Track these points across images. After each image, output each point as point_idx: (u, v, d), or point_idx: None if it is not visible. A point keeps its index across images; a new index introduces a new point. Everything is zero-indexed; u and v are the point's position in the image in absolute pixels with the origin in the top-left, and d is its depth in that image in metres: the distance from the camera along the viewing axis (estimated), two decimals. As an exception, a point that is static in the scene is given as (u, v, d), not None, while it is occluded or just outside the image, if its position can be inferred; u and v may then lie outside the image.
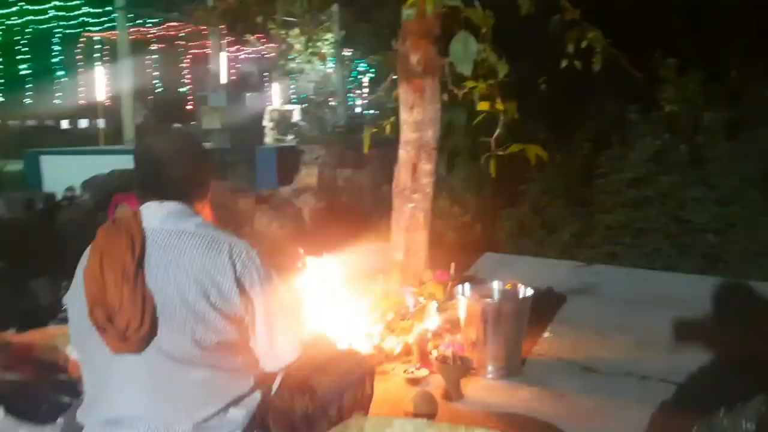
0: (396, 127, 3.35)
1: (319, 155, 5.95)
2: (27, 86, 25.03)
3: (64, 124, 27.29)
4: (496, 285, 2.86)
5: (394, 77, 3.33)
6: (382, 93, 3.41)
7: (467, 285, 2.82)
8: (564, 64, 3.17)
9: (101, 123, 18.56)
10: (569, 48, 3.29)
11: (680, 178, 5.35)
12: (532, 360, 2.86)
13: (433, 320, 2.87)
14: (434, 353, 2.86)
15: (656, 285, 4.16)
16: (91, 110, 18.57)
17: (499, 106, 2.84)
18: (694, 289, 3.87)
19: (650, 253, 5.21)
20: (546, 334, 3.19)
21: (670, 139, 5.52)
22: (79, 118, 26.80)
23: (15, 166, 12.58)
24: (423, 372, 2.62)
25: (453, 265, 3.48)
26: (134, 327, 1.48)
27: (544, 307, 3.34)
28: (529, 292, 2.73)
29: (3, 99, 24.91)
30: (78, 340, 1.60)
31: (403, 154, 3.34)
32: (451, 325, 3.04)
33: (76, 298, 1.57)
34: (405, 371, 2.63)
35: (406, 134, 3.31)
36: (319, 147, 6.16)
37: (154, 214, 1.61)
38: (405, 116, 3.30)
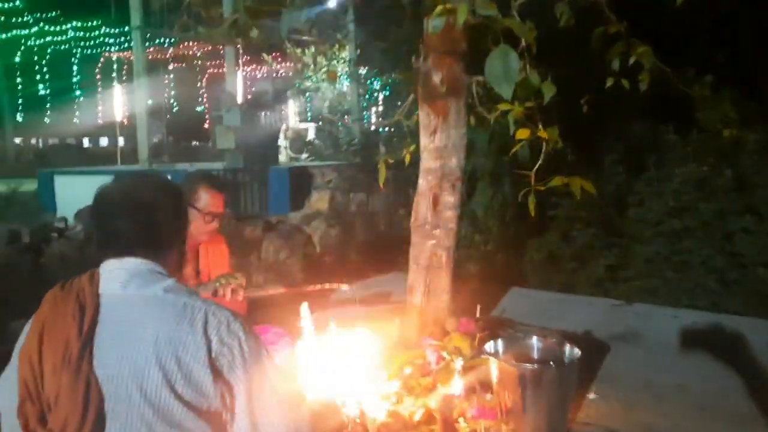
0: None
1: (331, 178, 5.58)
2: (47, 106, 25.15)
3: (86, 142, 27.44)
4: (535, 342, 2.43)
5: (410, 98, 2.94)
6: (401, 117, 3.00)
7: (500, 342, 2.39)
8: (610, 83, 2.74)
9: (121, 141, 18.53)
10: (614, 65, 2.87)
11: (725, 205, 4.89)
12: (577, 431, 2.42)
13: (458, 384, 2.43)
14: (461, 422, 2.43)
15: (712, 330, 3.67)
16: (111, 129, 18.55)
17: (542, 133, 2.43)
18: (760, 335, 3.39)
19: (693, 288, 4.74)
20: (591, 395, 2.73)
21: (713, 163, 5.07)
22: (100, 137, 26.94)
23: (32, 185, 12.44)
24: (448, 450, 2.19)
25: (479, 307, 3.06)
26: (73, 428, 1.10)
27: (585, 357, 2.90)
28: (576, 353, 2.29)
29: (23, 119, 25.03)
30: None
31: (423, 183, 2.93)
32: (482, 385, 2.61)
33: (8, 385, 1.20)
34: (426, 449, 2.20)
35: (427, 162, 2.91)
36: (330, 170, 5.79)
37: (115, 276, 1.24)
38: (425, 142, 2.90)
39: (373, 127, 15.72)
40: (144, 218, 1.27)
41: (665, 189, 5.04)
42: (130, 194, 1.30)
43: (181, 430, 1.14)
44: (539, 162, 2.49)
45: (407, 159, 2.97)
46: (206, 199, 2.46)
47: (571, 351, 2.33)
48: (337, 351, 2.66)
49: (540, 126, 2.42)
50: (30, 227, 3.45)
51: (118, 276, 1.23)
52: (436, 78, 2.77)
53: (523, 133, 2.40)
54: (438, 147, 2.90)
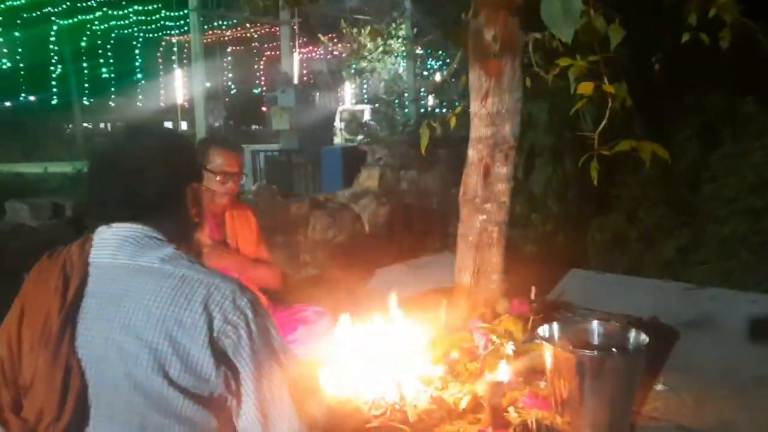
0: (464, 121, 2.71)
1: (382, 156, 5.38)
2: (112, 90, 25.90)
3: (151, 126, 28.18)
4: (595, 326, 2.18)
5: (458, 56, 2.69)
6: (447, 79, 2.76)
7: (555, 326, 2.15)
8: (686, 38, 2.42)
9: (183, 125, 18.92)
10: (691, 18, 2.54)
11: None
12: (643, 428, 2.15)
13: (507, 371, 2.21)
14: (511, 411, 2.22)
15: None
16: (174, 112, 18.96)
17: (608, 88, 2.14)
18: None
19: (775, 272, 4.32)
20: (659, 387, 2.46)
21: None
22: (164, 121, 27.68)
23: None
24: (496, 443, 1.98)
25: (534, 289, 2.82)
26: (49, 418, 0.95)
27: (652, 345, 2.63)
28: (644, 339, 2.03)
29: (90, 103, 25.87)
30: None
31: (474, 154, 2.70)
32: (534, 371, 2.39)
33: None
34: (472, 440, 2.00)
35: (478, 130, 2.67)
36: (381, 147, 5.59)
37: (106, 242, 1.09)
38: (476, 107, 2.66)
39: (429, 108, 15.43)
40: (133, 179, 1.11)
41: (743, 164, 4.61)
42: (118, 154, 1.14)
43: (179, 420, 0.97)
44: (604, 122, 2.21)
45: (452, 123, 2.73)
46: (217, 159, 2.35)
47: (637, 337, 2.07)
48: (378, 333, 2.49)
49: (606, 80, 2.14)
50: (73, 201, 3.43)
51: (110, 243, 1.08)
52: (489, 35, 2.51)
53: (586, 87, 2.12)
54: (490, 113, 2.66)
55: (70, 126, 22.98)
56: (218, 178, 2.34)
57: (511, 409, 2.22)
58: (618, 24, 2.03)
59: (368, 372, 2.31)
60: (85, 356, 0.99)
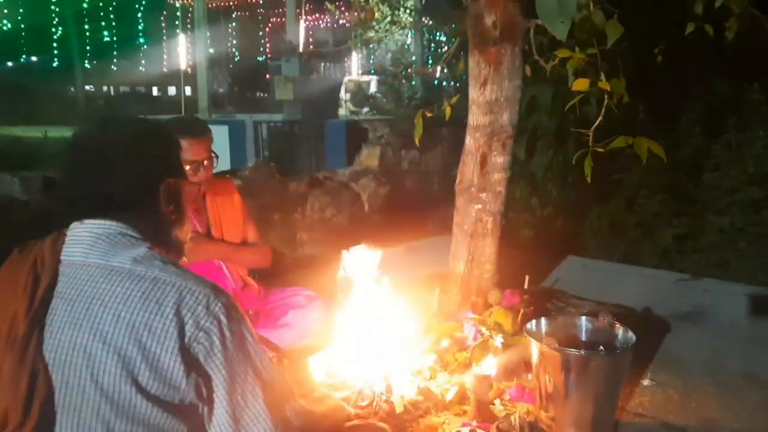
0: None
1: (383, 134, 5.33)
2: (114, 53, 25.67)
3: (155, 91, 27.97)
4: (583, 322, 2.17)
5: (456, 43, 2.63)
6: (445, 65, 2.72)
7: (543, 321, 2.15)
8: (690, 29, 2.37)
9: (188, 91, 18.73)
10: (697, 8, 2.49)
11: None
12: (627, 424, 2.17)
13: (494, 364, 2.22)
14: (497, 404, 2.23)
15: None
16: (177, 78, 18.77)
17: (604, 85, 2.10)
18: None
19: (771, 264, 4.31)
20: (646, 382, 2.47)
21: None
22: (169, 86, 27.40)
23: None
24: (479, 437, 1.99)
25: (527, 278, 2.81)
26: (14, 423, 0.94)
27: (642, 338, 2.63)
28: (631, 338, 2.03)
29: (92, 66, 25.64)
30: None
31: (470, 142, 2.67)
32: (523, 364, 2.39)
33: None
34: (456, 433, 2.01)
35: (476, 117, 2.64)
36: (383, 124, 5.53)
37: (79, 240, 1.06)
38: (474, 94, 2.62)
39: (436, 81, 15.25)
40: (100, 176, 1.07)
41: (746, 154, 4.57)
42: (86, 149, 1.10)
43: (146, 427, 0.96)
44: (599, 119, 2.18)
45: (447, 113, 2.69)
46: (191, 147, 2.18)
47: (624, 335, 2.06)
48: (370, 319, 2.48)
49: (602, 76, 2.09)
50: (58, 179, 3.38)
51: (83, 240, 1.05)
52: (489, 20, 2.46)
53: (581, 84, 2.08)
54: (488, 101, 2.62)
55: (72, 89, 22.81)
56: (188, 169, 2.15)
57: (497, 401, 2.24)
58: (617, 20, 1.97)
59: (357, 360, 2.32)
60: (51, 360, 0.97)
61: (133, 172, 1.09)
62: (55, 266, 1.03)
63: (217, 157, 2.33)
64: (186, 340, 0.98)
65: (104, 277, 1.01)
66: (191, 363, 0.98)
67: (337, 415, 1.38)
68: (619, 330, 2.09)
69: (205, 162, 2.28)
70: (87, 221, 1.07)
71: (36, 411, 0.94)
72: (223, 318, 1.01)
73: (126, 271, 1.01)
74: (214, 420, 1.02)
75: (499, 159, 2.67)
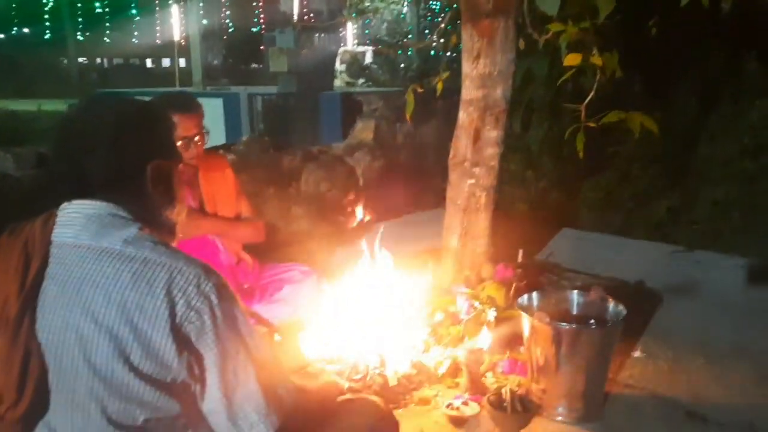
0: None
1: (377, 107, 5.29)
2: (106, 24, 25.32)
3: (149, 63, 27.66)
4: (575, 296, 2.19)
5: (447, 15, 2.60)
6: (436, 39, 2.69)
7: (534, 295, 2.17)
8: (685, 1, 2.34)
9: (182, 62, 18.50)
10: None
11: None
12: (617, 395, 2.20)
13: (487, 338, 2.24)
14: (489, 377, 2.26)
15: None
16: (170, 49, 18.51)
17: (596, 60, 2.09)
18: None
19: (764, 235, 4.32)
20: (636, 353, 2.50)
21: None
22: (162, 57, 27.06)
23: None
24: (472, 409, 2.02)
25: (521, 252, 2.83)
26: (8, 402, 0.96)
27: (634, 310, 2.66)
28: (621, 311, 2.05)
29: (84, 38, 25.30)
30: None
31: (464, 116, 2.66)
32: (515, 337, 2.42)
33: None
34: (448, 405, 2.04)
35: (469, 91, 2.62)
36: (377, 97, 5.48)
37: (70, 220, 1.06)
38: (467, 68, 2.60)
39: (433, 52, 15.10)
40: (84, 157, 1.06)
41: (741, 125, 4.55)
42: (72, 130, 1.09)
43: (140, 405, 0.98)
44: (591, 95, 2.16)
45: (439, 87, 2.67)
46: (182, 123, 2.19)
47: (615, 309, 2.08)
48: (365, 294, 2.50)
49: (595, 51, 2.08)
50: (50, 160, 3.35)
51: (73, 221, 1.04)
52: (481, -6, 2.44)
53: (573, 59, 2.06)
54: (482, 74, 2.61)
55: (65, 62, 22.53)
56: (179, 144, 2.09)
57: (489, 374, 2.27)
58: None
59: (351, 334, 2.35)
60: (44, 341, 0.98)
61: (116, 152, 1.07)
62: (45, 247, 1.03)
63: (207, 132, 2.32)
64: (177, 319, 0.98)
65: (95, 258, 1.01)
66: (183, 342, 0.99)
67: (330, 390, 1.40)
68: (610, 304, 2.11)
69: (197, 138, 2.27)
70: (75, 201, 1.06)
71: (30, 390, 0.96)
72: (213, 297, 1.02)
73: (116, 252, 1.01)
74: (206, 397, 1.03)
75: (493, 133, 2.66)
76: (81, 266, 1.01)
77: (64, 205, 1.08)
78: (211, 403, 1.03)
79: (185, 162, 1.96)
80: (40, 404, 0.97)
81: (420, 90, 2.59)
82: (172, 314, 0.98)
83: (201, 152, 2.33)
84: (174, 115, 2.13)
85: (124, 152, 1.08)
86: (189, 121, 2.24)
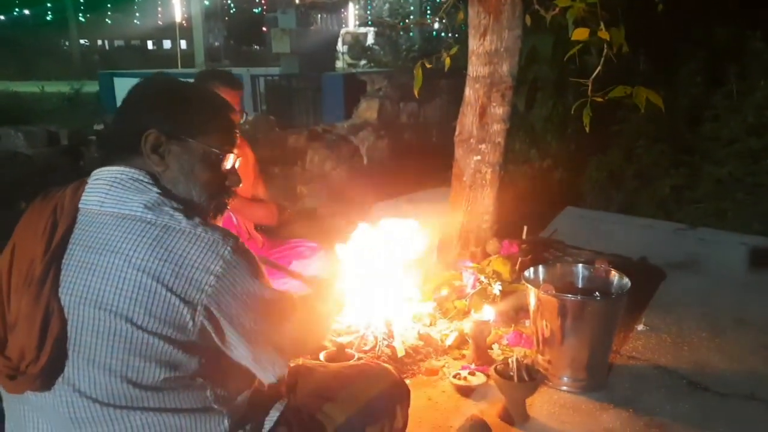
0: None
1: (381, 86, 5.29)
2: (107, 6, 25.17)
3: (150, 45, 27.54)
4: (580, 269, 2.23)
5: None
6: (444, 16, 2.69)
7: (540, 269, 2.20)
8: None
9: (183, 44, 18.43)
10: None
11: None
12: (621, 366, 2.25)
13: (492, 310, 2.28)
14: (495, 349, 2.31)
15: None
16: (173, 31, 18.42)
17: (603, 34, 2.10)
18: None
19: (766, 213, 4.34)
20: (640, 327, 2.55)
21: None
22: (163, 39, 26.95)
23: (95, 87, 12.68)
24: (478, 379, 2.07)
25: (525, 228, 2.86)
26: (29, 358, 0.99)
27: (638, 285, 2.69)
28: (626, 283, 2.09)
29: (86, 20, 25.18)
30: None
31: (470, 93, 2.68)
32: (520, 310, 2.46)
33: None
34: (456, 375, 2.09)
35: (475, 68, 2.64)
36: (381, 77, 5.49)
37: (96, 187, 1.10)
38: (474, 45, 2.61)
39: (435, 33, 15.02)
40: (124, 118, 1.14)
41: (746, 103, 4.55)
42: (126, 96, 1.16)
43: (159, 363, 1.01)
44: (598, 69, 2.18)
45: (447, 63, 2.68)
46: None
47: (620, 281, 2.12)
48: (372, 267, 2.53)
49: (602, 26, 2.09)
50: (69, 129, 3.40)
51: (99, 187, 1.08)
52: (488, -30, 2.44)
53: (581, 34, 2.08)
54: (488, 51, 2.62)
55: (67, 43, 22.44)
56: None
57: (495, 346, 2.31)
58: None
59: (360, 307, 2.39)
60: (66, 302, 1.01)
61: (144, 122, 1.11)
62: (73, 213, 1.07)
63: (246, 113, 2.39)
64: (195, 283, 1.01)
65: (116, 225, 1.04)
66: (199, 305, 1.02)
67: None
68: (615, 276, 2.14)
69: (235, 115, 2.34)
70: (104, 168, 1.11)
71: (49, 347, 0.99)
72: (231, 260, 1.04)
73: (137, 218, 1.04)
74: (232, 350, 1.07)
75: (499, 110, 2.68)
76: (104, 233, 1.04)
77: (94, 172, 1.13)
78: (235, 354, 1.08)
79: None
80: (59, 361, 1.00)
81: (428, 66, 2.60)
82: (189, 279, 1.01)
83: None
84: (221, 88, 2.23)
85: (149, 122, 1.12)
86: (234, 97, 2.31)
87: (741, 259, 3.38)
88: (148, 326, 0.99)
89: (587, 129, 2.21)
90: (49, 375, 1.00)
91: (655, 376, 2.19)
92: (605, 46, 2.18)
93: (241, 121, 2.44)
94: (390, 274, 2.48)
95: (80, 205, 1.08)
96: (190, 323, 1.01)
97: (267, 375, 1.12)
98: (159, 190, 1.10)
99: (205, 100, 1.23)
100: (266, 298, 1.10)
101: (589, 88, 2.17)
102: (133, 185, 1.08)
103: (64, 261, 1.03)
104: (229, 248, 1.05)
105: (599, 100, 2.17)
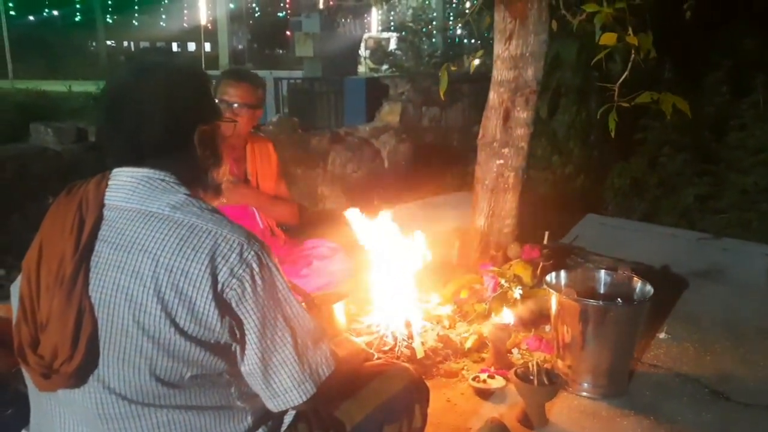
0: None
1: (404, 90, 5.31)
2: (134, 8, 25.54)
3: (174, 47, 27.89)
4: (602, 275, 2.22)
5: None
6: (471, 20, 2.70)
7: (562, 273, 2.20)
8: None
9: (207, 47, 18.62)
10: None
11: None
12: (642, 374, 2.23)
13: (512, 314, 2.28)
14: (515, 353, 2.30)
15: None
16: (197, 33, 18.62)
17: (632, 39, 2.10)
18: None
19: (793, 224, 4.28)
20: (662, 335, 2.52)
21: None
22: (188, 42, 27.28)
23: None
24: (497, 382, 2.07)
25: (547, 234, 2.85)
26: (63, 357, 1.00)
27: (660, 294, 2.66)
28: (648, 290, 2.07)
29: (113, 21, 25.56)
30: None
31: (494, 97, 2.68)
32: (541, 315, 2.45)
33: (16, 292, 1.12)
34: (475, 378, 2.09)
35: (500, 72, 2.64)
36: (404, 81, 5.50)
37: (121, 185, 1.09)
38: (499, 49, 2.62)
39: (457, 39, 15.00)
40: (133, 122, 1.09)
41: (773, 113, 4.50)
42: (119, 95, 1.12)
43: (187, 363, 1.02)
44: (625, 74, 2.18)
45: (472, 67, 2.69)
46: (229, 90, 2.34)
47: (642, 288, 2.11)
48: (392, 270, 2.54)
49: (630, 31, 2.09)
50: (96, 126, 3.42)
51: (124, 185, 1.08)
52: (515, -26, 2.45)
53: (608, 39, 2.07)
54: (513, 55, 2.62)
55: (94, 44, 22.81)
56: (228, 111, 2.30)
57: (515, 350, 2.31)
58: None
59: (380, 308, 2.40)
60: (96, 300, 1.01)
61: (166, 119, 1.11)
62: (98, 209, 1.07)
63: (254, 109, 2.41)
64: (220, 286, 1.01)
65: (144, 222, 1.04)
66: (225, 307, 1.02)
67: (358, 358, 1.44)
68: (638, 283, 2.13)
69: (246, 108, 2.37)
70: (126, 168, 1.10)
71: (83, 346, 0.99)
72: (255, 266, 1.04)
73: (164, 217, 1.04)
74: (245, 361, 1.07)
75: (523, 114, 2.68)
76: (131, 230, 1.04)
77: (116, 170, 1.11)
78: (249, 365, 1.07)
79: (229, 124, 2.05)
80: (92, 359, 1.01)
81: (453, 69, 2.61)
82: (215, 280, 1.01)
83: (250, 125, 2.44)
84: (230, 81, 2.33)
85: (173, 118, 1.12)
86: (243, 89, 2.36)
87: (765, 269, 3.34)
88: (177, 326, 1.00)
89: (613, 134, 2.20)
90: (82, 373, 1.01)
91: (676, 385, 2.17)
92: (632, 51, 2.17)
93: (260, 116, 2.49)
94: (409, 276, 2.49)
95: (105, 201, 1.08)
96: (218, 324, 1.01)
97: (276, 402, 1.10)
98: (185, 190, 1.11)
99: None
100: (286, 304, 1.10)
101: (616, 93, 2.17)
102: (159, 185, 1.08)
103: (93, 258, 1.03)
104: (253, 252, 1.05)
105: (626, 105, 2.16)
